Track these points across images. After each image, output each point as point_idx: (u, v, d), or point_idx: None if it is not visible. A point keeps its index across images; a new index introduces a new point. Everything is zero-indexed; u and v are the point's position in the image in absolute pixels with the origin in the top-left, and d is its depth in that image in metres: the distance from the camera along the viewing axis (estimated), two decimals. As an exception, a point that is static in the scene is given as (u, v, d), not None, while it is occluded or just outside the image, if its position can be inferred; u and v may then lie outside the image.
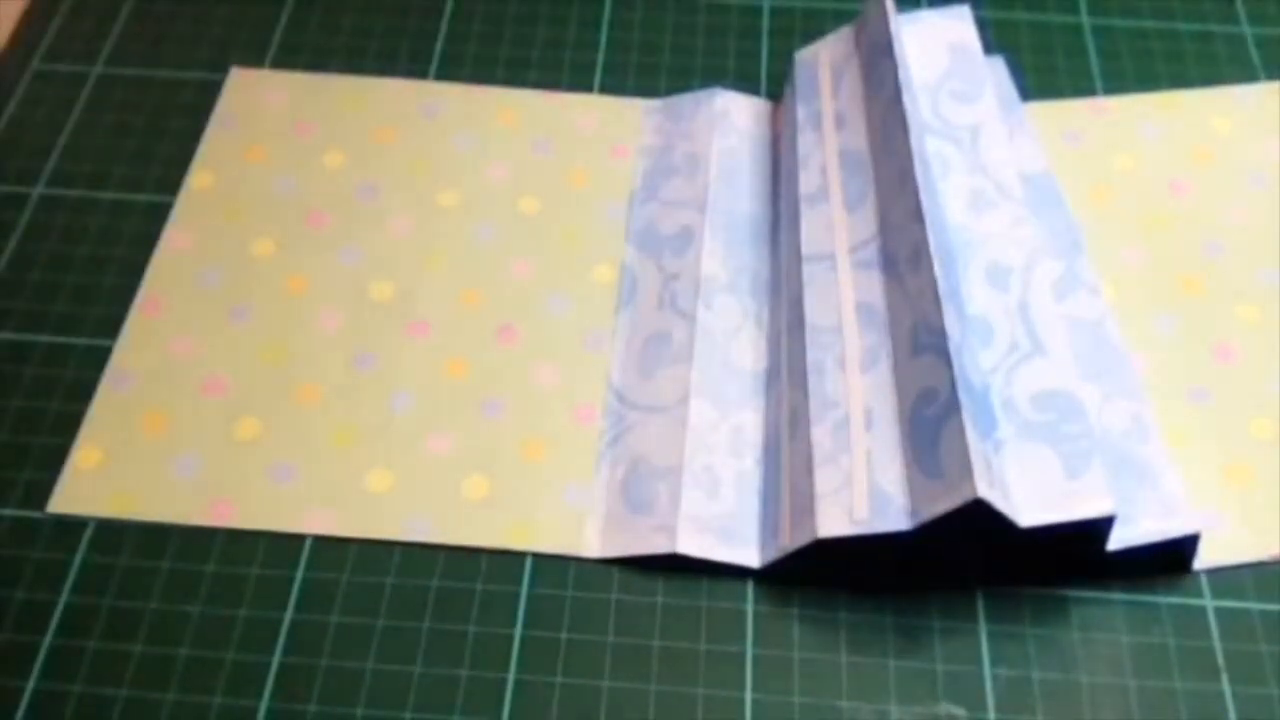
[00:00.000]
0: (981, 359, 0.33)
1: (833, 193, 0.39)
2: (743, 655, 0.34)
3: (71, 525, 0.36)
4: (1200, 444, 0.36)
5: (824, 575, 0.34)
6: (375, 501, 0.36)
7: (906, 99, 0.37)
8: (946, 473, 0.31)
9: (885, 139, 0.38)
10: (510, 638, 0.34)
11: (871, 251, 0.36)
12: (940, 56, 0.40)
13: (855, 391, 0.34)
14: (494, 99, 0.45)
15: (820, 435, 0.34)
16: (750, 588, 0.35)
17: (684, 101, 0.45)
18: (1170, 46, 0.47)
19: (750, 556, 0.35)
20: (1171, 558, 0.34)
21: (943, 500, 0.31)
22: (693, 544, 0.35)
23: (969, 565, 0.34)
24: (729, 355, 0.38)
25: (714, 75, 0.46)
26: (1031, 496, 0.32)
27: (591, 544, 0.35)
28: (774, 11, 0.48)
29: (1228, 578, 0.35)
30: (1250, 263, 0.40)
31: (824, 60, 0.42)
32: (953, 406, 0.31)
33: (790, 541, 0.34)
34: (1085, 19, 0.48)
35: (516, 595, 0.35)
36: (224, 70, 0.47)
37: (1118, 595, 0.35)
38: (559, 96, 0.45)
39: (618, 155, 0.44)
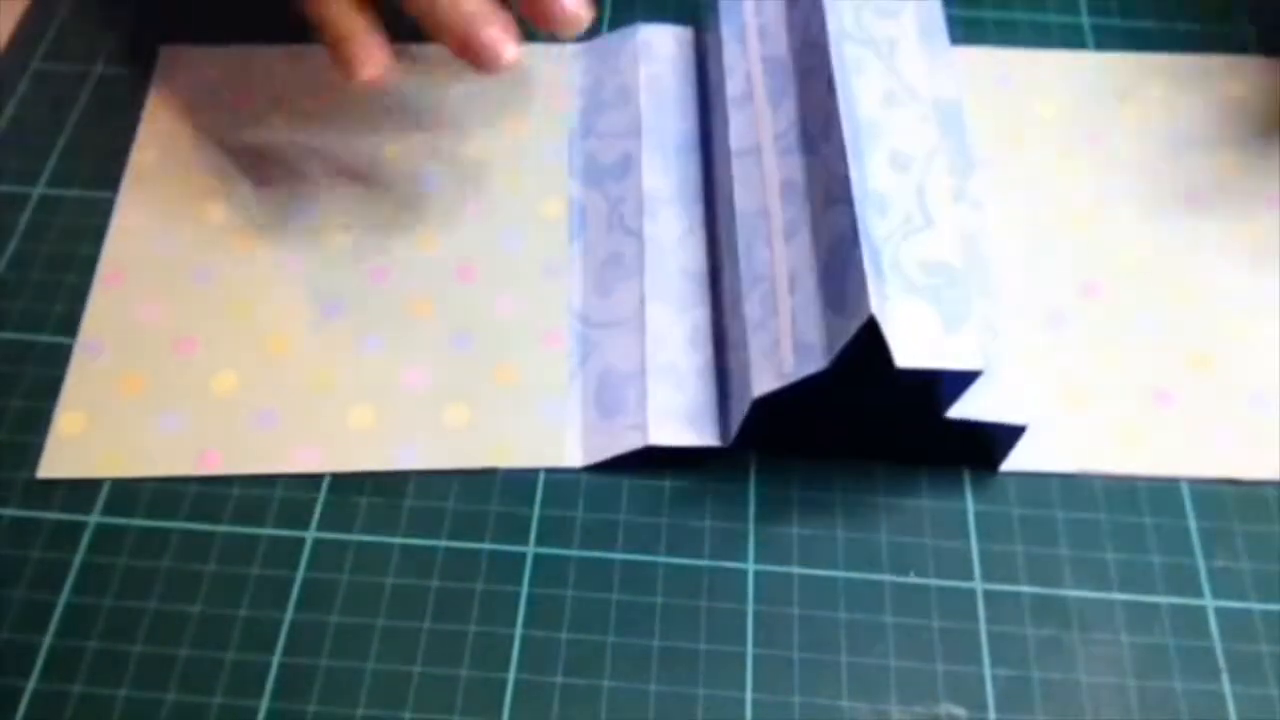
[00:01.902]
0: (877, 226, 0.36)
1: (757, 94, 0.41)
2: (743, 655, 0.34)
3: (72, 526, 0.36)
4: (1046, 364, 0.39)
5: (783, 445, 0.37)
6: (360, 437, 0.37)
7: (826, 3, 0.40)
8: (850, 305, 0.33)
9: (804, 41, 0.40)
10: (510, 638, 0.34)
11: (792, 138, 0.39)
12: None
13: (780, 260, 0.36)
14: (426, 55, 0.46)
15: (751, 308, 0.36)
16: (750, 587, 0.35)
17: (609, 40, 0.47)
18: (1171, 47, 0.47)
19: (715, 439, 0.37)
20: (987, 449, 0.37)
21: (846, 330, 0.33)
22: (663, 434, 0.36)
23: (872, 413, 0.36)
24: (678, 261, 0.40)
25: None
26: (910, 344, 0.33)
27: (573, 454, 0.37)
28: (774, 11, 0.48)
29: (1228, 578, 0.35)
30: (1141, 213, 0.42)
31: None
32: (855, 243, 0.34)
33: (738, 413, 0.36)
34: (1085, 19, 0.48)
35: (516, 595, 0.35)
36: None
37: (1118, 595, 0.35)
38: None
39: (553, 98, 0.45)
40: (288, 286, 0.40)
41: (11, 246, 0.42)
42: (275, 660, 0.34)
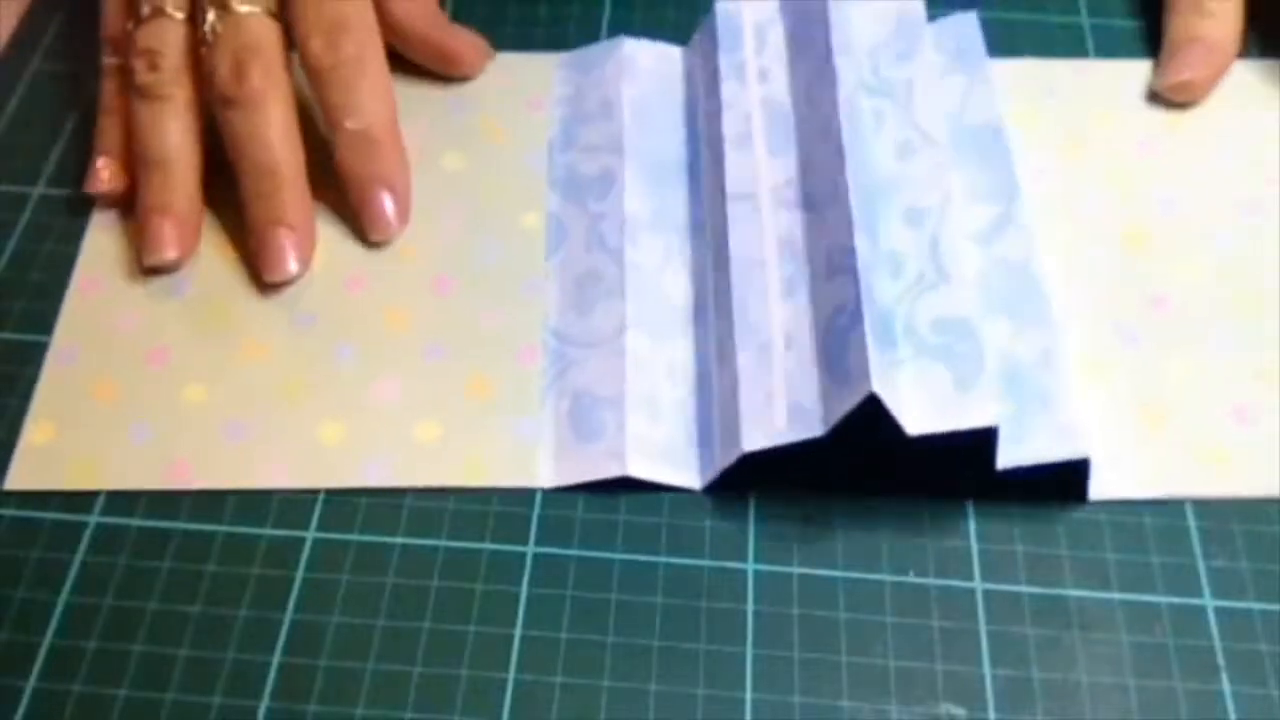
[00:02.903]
0: (889, 288, 0.36)
1: (756, 139, 0.41)
2: (743, 655, 0.34)
3: (72, 526, 0.36)
4: (1121, 383, 0.38)
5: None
6: (330, 452, 0.37)
7: (836, 58, 0.40)
8: (850, 377, 0.33)
9: (811, 95, 0.40)
10: (510, 638, 0.34)
11: (793, 192, 0.39)
12: (888, 24, 0.43)
13: (776, 318, 0.36)
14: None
15: (745, 361, 0.36)
16: (750, 587, 0.35)
17: (592, 52, 0.46)
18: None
19: (692, 479, 0.37)
20: (1068, 484, 0.36)
21: (846, 400, 0.33)
22: (641, 467, 0.36)
23: (879, 474, 0.36)
24: (659, 289, 0.40)
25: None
26: (923, 407, 0.33)
27: (545, 474, 0.37)
28: (774, 11, 0.48)
29: (1228, 578, 0.35)
30: (1201, 222, 0.41)
31: (747, 17, 0.44)
32: (857, 317, 0.34)
33: (722, 460, 0.36)
34: (1085, 19, 0.48)
35: (517, 595, 0.35)
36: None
37: (1118, 595, 0.35)
38: None
39: (533, 108, 0.45)
40: (261, 297, 0.40)
41: (11, 246, 0.42)
42: (275, 660, 0.34)
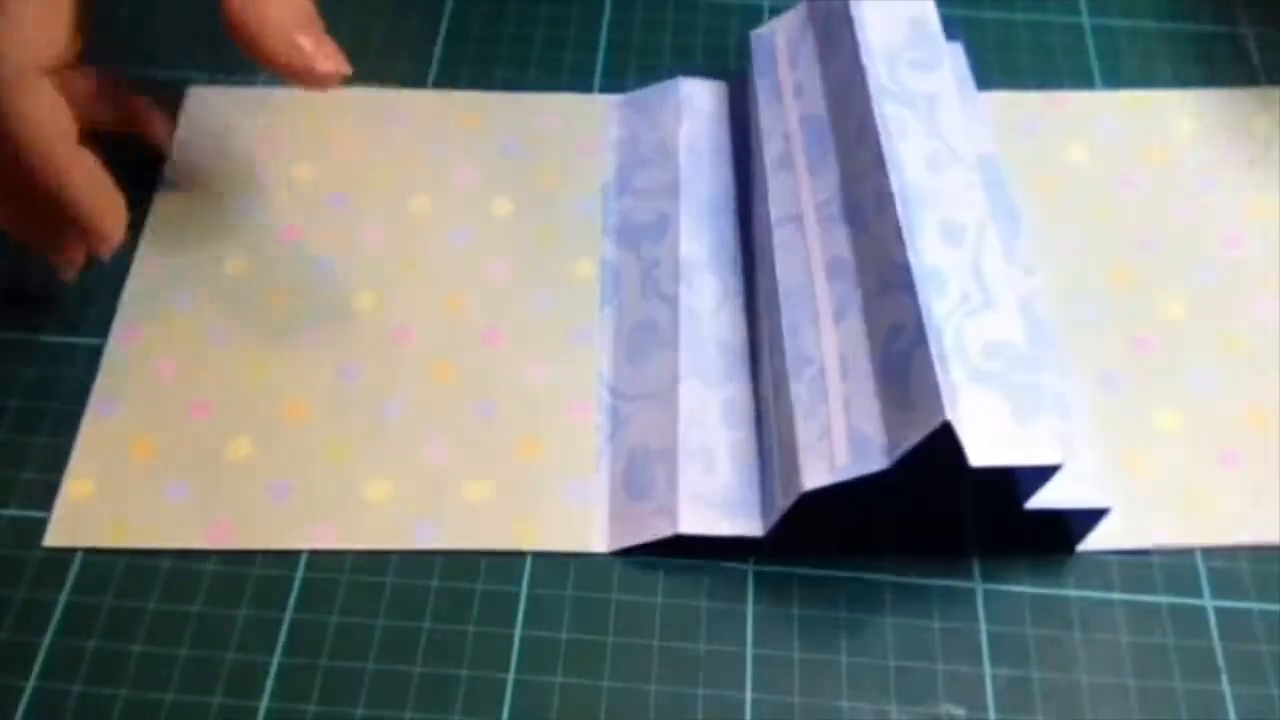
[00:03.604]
0: (936, 303, 0.34)
1: (796, 158, 0.39)
2: (743, 655, 0.34)
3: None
4: (1104, 429, 0.37)
5: (825, 536, 0.35)
6: (376, 511, 0.36)
7: (864, 57, 0.38)
8: (917, 404, 0.31)
9: (844, 99, 0.39)
10: (510, 638, 0.34)
11: (836, 207, 0.37)
12: (900, 29, 0.41)
13: (829, 343, 0.35)
14: (458, 103, 0.45)
15: (799, 391, 0.34)
16: (750, 587, 0.35)
17: (648, 94, 0.45)
18: (1171, 47, 0.47)
19: (753, 526, 0.35)
20: (1063, 533, 0.35)
21: (915, 430, 0.31)
22: (695, 522, 0.35)
23: (934, 510, 0.35)
24: (714, 332, 0.38)
25: (715, 77, 0.46)
26: (984, 438, 0.31)
27: (598, 539, 0.35)
28: (774, 12, 0.48)
29: (1228, 578, 0.35)
30: (1183, 262, 0.41)
31: (780, 36, 0.43)
32: (919, 338, 0.32)
33: (783, 500, 0.34)
34: (1085, 19, 0.48)
35: (516, 595, 0.35)
36: (221, 72, 0.47)
37: (1118, 595, 0.35)
38: (523, 97, 0.45)
39: (586, 152, 0.44)
40: (306, 346, 0.39)
41: (11, 246, 0.42)
42: (275, 660, 0.34)
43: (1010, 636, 0.34)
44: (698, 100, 0.44)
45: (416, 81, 0.46)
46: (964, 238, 0.35)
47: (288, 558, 0.35)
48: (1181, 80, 0.46)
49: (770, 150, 0.40)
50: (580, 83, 0.46)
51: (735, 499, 0.35)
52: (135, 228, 0.42)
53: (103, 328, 0.40)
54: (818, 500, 0.32)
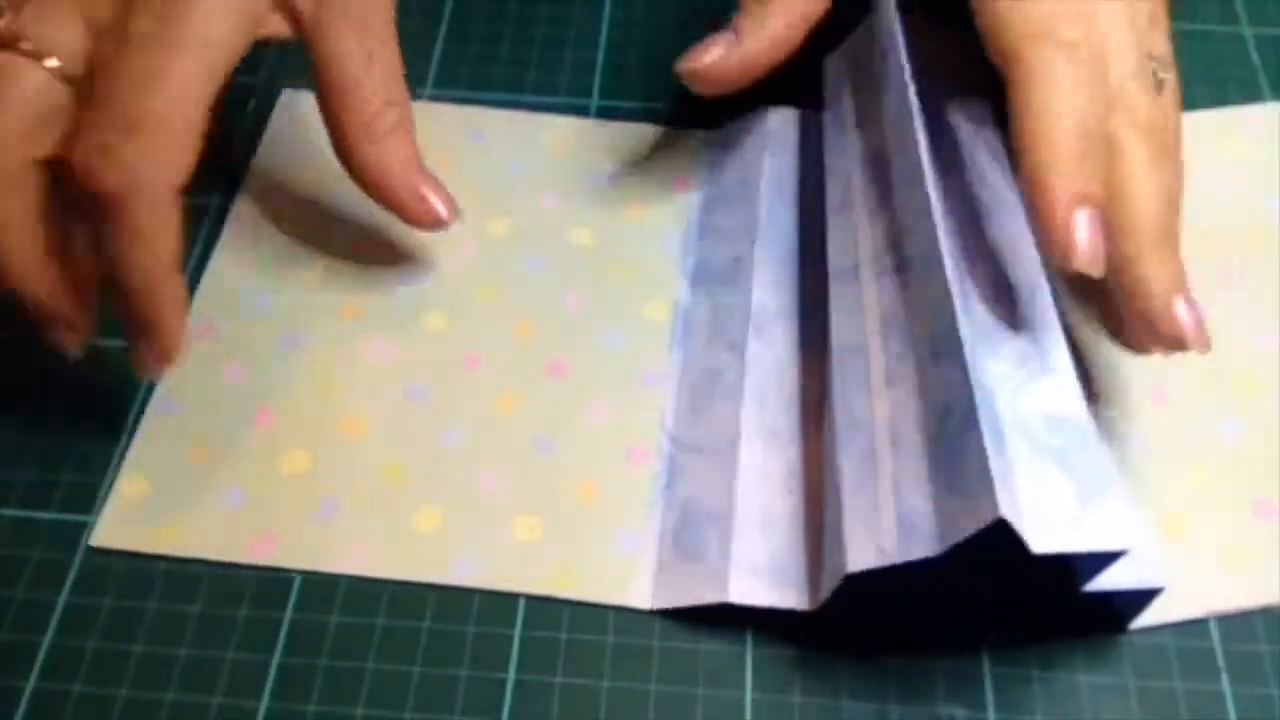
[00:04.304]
0: (990, 366, 0.32)
1: (855, 200, 0.37)
2: (743, 655, 0.34)
3: (73, 526, 0.36)
4: (1135, 492, 0.35)
5: (874, 613, 0.33)
6: (422, 541, 0.35)
7: (912, 94, 0.36)
8: (971, 492, 0.29)
9: (897, 133, 0.36)
10: (510, 638, 0.34)
11: (889, 258, 0.35)
12: (955, 47, 0.38)
13: (881, 410, 0.33)
14: (544, 125, 0.44)
15: (848, 462, 0.32)
16: (750, 588, 0.35)
17: (737, 127, 0.43)
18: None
19: (800, 600, 0.33)
20: (1116, 613, 0.33)
21: (969, 520, 0.29)
22: (744, 592, 0.33)
23: (986, 594, 0.33)
24: (781, 388, 0.37)
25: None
26: (1046, 521, 0.29)
27: (642, 594, 0.34)
28: (774, 12, 0.48)
29: (1228, 578, 0.35)
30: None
31: (848, 60, 0.40)
32: (970, 419, 0.30)
33: (829, 580, 0.32)
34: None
35: (517, 595, 0.35)
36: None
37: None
38: (616, 126, 0.45)
39: (674, 187, 0.43)
40: (375, 363, 0.38)
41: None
42: (275, 660, 0.34)
43: (1011, 637, 0.34)
44: (785, 132, 0.42)
45: (416, 82, 0.46)
46: (1018, 295, 0.33)
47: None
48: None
49: (832, 191, 0.38)
50: (580, 83, 0.46)
51: (786, 569, 0.34)
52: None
53: None
54: (866, 579, 0.31)
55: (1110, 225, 0.32)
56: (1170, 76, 0.35)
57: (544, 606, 0.35)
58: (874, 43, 0.39)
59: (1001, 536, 0.28)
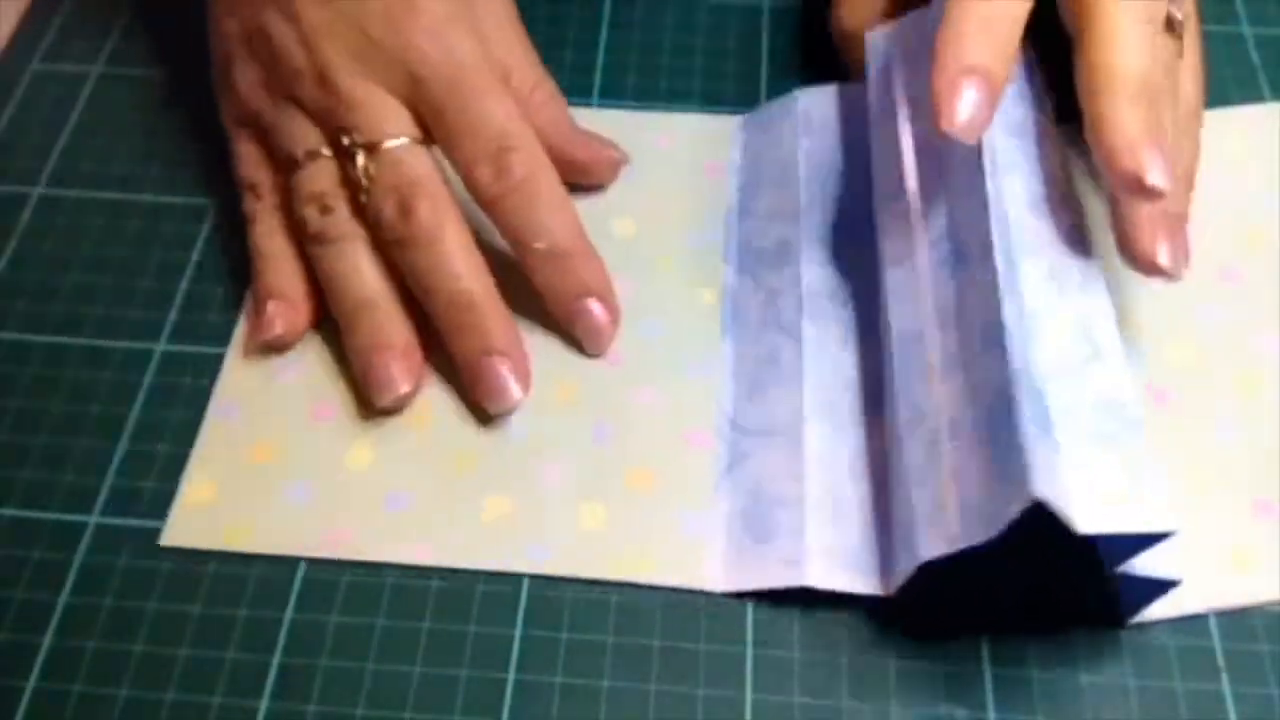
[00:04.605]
0: (1040, 360, 0.32)
1: (908, 186, 0.37)
2: (743, 655, 0.34)
3: (72, 526, 0.36)
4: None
5: (948, 596, 0.33)
6: (493, 531, 0.35)
7: None
8: (1012, 475, 0.30)
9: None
10: (510, 638, 0.34)
11: (945, 249, 0.35)
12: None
13: (939, 399, 0.33)
14: (580, 120, 0.43)
15: (912, 452, 0.33)
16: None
17: (770, 110, 0.43)
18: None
19: (875, 585, 0.34)
20: (1124, 605, 0.33)
21: (1013, 503, 0.29)
22: (820, 576, 0.34)
23: (1027, 579, 0.33)
24: (840, 369, 0.37)
25: (715, 76, 0.46)
26: (1092, 504, 0.30)
27: (715, 577, 0.35)
28: (774, 12, 0.48)
29: (1228, 578, 0.35)
30: (1184, 298, 0.39)
31: (897, 43, 0.40)
32: (1015, 404, 0.30)
33: (903, 566, 0.32)
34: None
35: (516, 595, 0.35)
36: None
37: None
38: (645, 116, 0.45)
39: (710, 173, 0.43)
40: (431, 355, 0.38)
41: (11, 246, 0.42)
42: (275, 660, 0.34)
43: (1009, 637, 0.34)
44: (818, 112, 0.42)
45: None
46: (1069, 282, 0.34)
47: (289, 557, 0.35)
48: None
49: (882, 176, 0.38)
50: (580, 83, 0.46)
51: (859, 554, 0.34)
52: (164, 205, 0.42)
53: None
54: (938, 564, 0.31)
55: (1092, 81, 0.34)
56: (1183, 12, 0.36)
57: (544, 606, 0.35)
58: (928, 28, 0.38)
59: (1044, 518, 0.28)
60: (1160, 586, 0.32)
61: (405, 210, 0.37)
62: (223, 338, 0.40)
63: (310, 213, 0.38)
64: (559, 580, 0.35)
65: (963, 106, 0.33)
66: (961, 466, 0.31)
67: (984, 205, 0.34)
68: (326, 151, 0.38)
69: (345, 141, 0.37)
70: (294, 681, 0.33)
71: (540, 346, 0.39)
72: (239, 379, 0.39)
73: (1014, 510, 0.29)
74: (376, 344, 0.37)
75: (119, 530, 0.36)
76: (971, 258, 0.34)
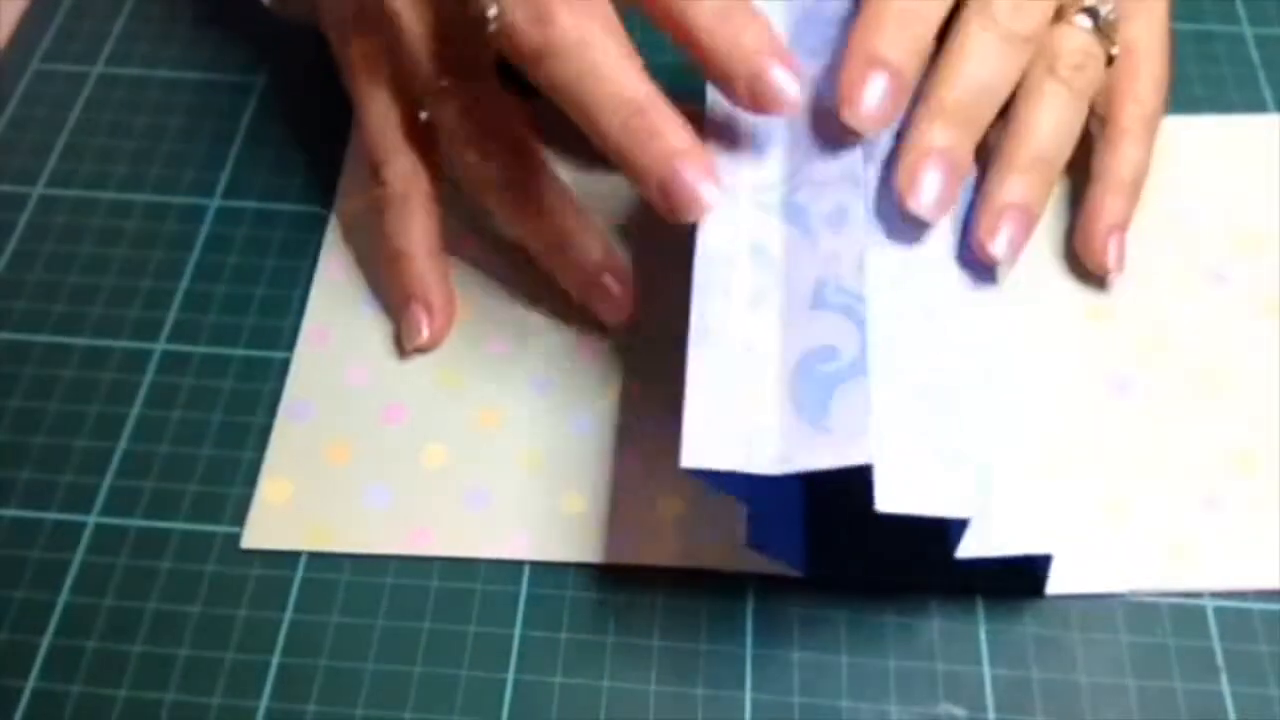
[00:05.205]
0: (879, 330, 0.31)
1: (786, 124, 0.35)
2: (743, 655, 0.34)
3: (72, 526, 0.36)
4: (1084, 472, 0.36)
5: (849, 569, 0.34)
6: (573, 524, 0.36)
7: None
8: (834, 429, 0.29)
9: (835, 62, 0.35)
10: (510, 638, 0.34)
11: (776, 196, 0.34)
12: None
13: (737, 325, 0.32)
14: None
15: (696, 358, 0.31)
16: (750, 587, 0.35)
17: None
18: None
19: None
20: (1027, 579, 0.34)
21: (826, 455, 0.29)
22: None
23: (896, 545, 0.34)
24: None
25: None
26: (899, 483, 0.30)
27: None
28: (774, 11, 0.48)
29: (1228, 578, 0.35)
30: (1169, 298, 0.39)
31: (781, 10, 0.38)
32: (858, 369, 0.30)
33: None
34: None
35: (516, 595, 0.35)
36: (223, 70, 0.47)
37: (1118, 595, 0.35)
38: None
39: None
40: (496, 358, 0.39)
41: (11, 247, 0.42)
42: (275, 660, 0.34)
43: (1010, 636, 0.34)
44: None
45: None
46: (929, 261, 0.33)
47: (288, 557, 0.35)
48: (1177, 79, 0.46)
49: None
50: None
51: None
52: (163, 205, 0.42)
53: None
54: (704, 475, 0.30)
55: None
56: (1105, 10, 0.36)
57: (544, 606, 0.35)
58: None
59: (854, 480, 0.28)
60: (1040, 561, 0.33)
61: (541, 17, 0.32)
62: (223, 338, 0.40)
63: (471, 156, 0.37)
64: (559, 580, 0.35)
65: (869, 97, 0.33)
66: (756, 393, 0.31)
67: (853, 175, 0.33)
68: (443, 81, 0.36)
69: None
70: (294, 681, 0.33)
71: (600, 349, 0.39)
72: (308, 380, 0.39)
73: (830, 461, 0.29)
74: (601, 266, 0.38)
75: (119, 530, 0.36)
76: (815, 220, 0.33)
